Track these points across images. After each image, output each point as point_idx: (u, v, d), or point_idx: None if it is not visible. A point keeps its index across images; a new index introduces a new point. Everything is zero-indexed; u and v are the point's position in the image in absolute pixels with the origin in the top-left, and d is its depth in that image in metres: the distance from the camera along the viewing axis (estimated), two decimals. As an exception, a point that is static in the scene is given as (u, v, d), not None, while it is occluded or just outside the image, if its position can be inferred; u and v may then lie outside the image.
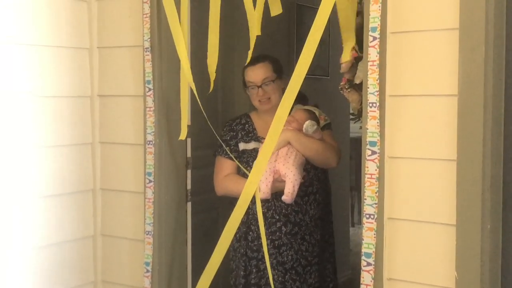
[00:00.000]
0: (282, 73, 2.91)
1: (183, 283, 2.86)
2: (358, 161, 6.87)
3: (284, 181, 2.67)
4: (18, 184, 2.59)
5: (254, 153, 2.81)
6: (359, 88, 2.63)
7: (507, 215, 2.02)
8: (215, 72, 2.62)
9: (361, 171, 2.19)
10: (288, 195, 2.64)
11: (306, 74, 2.34)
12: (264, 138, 2.73)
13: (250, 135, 2.89)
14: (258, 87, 2.82)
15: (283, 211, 2.78)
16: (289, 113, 2.83)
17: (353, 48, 2.50)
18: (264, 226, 2.71)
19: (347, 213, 5.74)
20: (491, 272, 2.00)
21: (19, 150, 2.59)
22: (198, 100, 2.54)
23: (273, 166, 2.65)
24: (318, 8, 3.13)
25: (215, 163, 2.92)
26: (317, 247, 2.88)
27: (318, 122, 2.87)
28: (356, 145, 6.86)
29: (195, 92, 2.54)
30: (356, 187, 6.74)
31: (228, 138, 2.88)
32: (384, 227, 2.17)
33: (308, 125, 2.78)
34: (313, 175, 2.85)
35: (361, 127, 2.45)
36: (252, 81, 2.84)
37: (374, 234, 2.16)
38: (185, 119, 2.61)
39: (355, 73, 2.61)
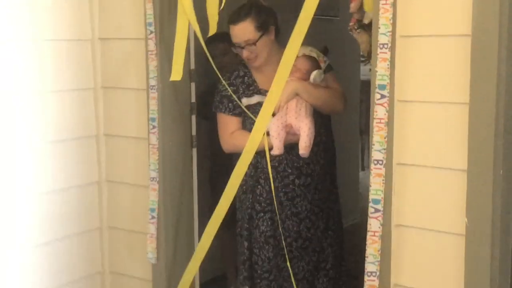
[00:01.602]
0: (268, 24, 2.69)
1: (190, 229, 2.84)
2: (368, 104, 6.79)
3: (296, 134, 2.61)
4: (23, 129, 2.56)
5: (258, 107, 2.66)
6: (368, 28, 2.53)
7: (520, 160, 1.96)
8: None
9: (370, 115, 2.12)
10: (306, 148, 2.58)
11: (315, 15, 2.23)
12: (266, 90, 2.62)
13: (251, 88, 2.75)
14: (242, 48, 2.68)
15: (295, 164, 2.72)
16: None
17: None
18: (276, 179, 2.68)
19: (357, 157, 5.70)
20: (502, 218, 1.95)
21: (22, 95, 2.55)
22: (202, 40, 2.44)
23: (284, 120, 2.57)
24: None
25: (218, 120, 2.80)
26: (326, 193, 2.85)
27: (319, 67, 2.78)
28: (366, 88, 6.80)
29: (198, 32, 2.42)
30: (366, 131, 6.70)
31: (229, 93, 2.72)
32: (392, 173, 2.11)
33: (316, 74, 2.69)
34: (321, 123, 2.77)
35: (370, 69, 2.38)
36: (235, 42, 2.69)
37: (383, 180, 2.11)
38: (181, 59, 2.48)
39: (364, 13, 2.51)
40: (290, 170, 2.72)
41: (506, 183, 1.94)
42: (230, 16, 2.67)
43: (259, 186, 2.75)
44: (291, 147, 2.65)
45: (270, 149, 2.55)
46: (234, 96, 2.64)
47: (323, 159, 2.81)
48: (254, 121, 2.59)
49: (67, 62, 2.72)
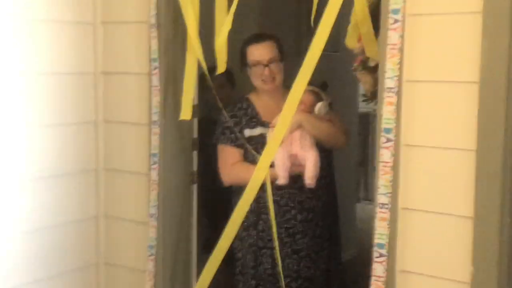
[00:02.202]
0: (284, 54, 2.78)
1: (188, 267, 2.79)
2: (366, 136, 6.83)
3: (301, 165, 2.61)
4: (19, 164, 2.51)
5: (261, 139, 2.69)
6: (373, 70, 2.53)
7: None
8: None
9: (370, 148, 2.11)
10: (312, 178, 2.58)
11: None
12: (269, 122, 2.68)
13: (254, 120, 2.76)
14: (265, 65, 2.70)
15: (297, 198, 2.70)
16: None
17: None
18: (278, 214, 2.65)
19: (354, 189, 5.67)
20: (510, 265, 1.92)
21: (21, 129, 2.51)
22: (208, 77, 2.44)
23: (289, 150, 2.57)
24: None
25: (219, 152, 2.79)
26: (327, 230, 2.82)
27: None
28: (364, 121, 6.82)
29: (205, 68, 2.43)
30: (363, 163, 6.69)
31: (232, 124, 2.74)
32: (397, 217, 2.09)
33: (321, 106, 2.71)
34: (323, 157, 2.76)
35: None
36: (258, 60, 2.71)
37: (388, 224, 2.09)
38: (190, 97, 2.49)
39: (369, 54, 2.51)
40: (292, 205, 2.69)
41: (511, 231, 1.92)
42: (250, 38, 2.73)
43: (261, 222, 2.72)
44: (293, 180, 2.63)
45: (272, 182, 2.53)
46: (235, 130, 2.64)
47: (325, 194, 2.79)
48: (256, 153, 2.61)
49: (69, 95, 2.69)
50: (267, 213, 2.66)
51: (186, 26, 2.43)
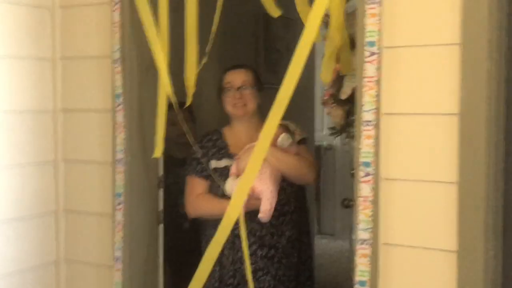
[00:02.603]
0: (261, 86, 2.78)
1: (155, 312, 2.67)
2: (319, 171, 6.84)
3: (259, 199, 2.51)
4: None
5: (225, 171, 2.64)
6: (343, 103, 2.51)
7: (508, 240, 1.92)
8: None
9: (322, 183, 2.06)
10: (266, 212, 2.49)
11: (271, 84, 2.22)
12: (237, 155, 2.61)
13: (221, 151, 2.72)
14: (237, 89, 2.69)
15: (258, 233, 2.62)
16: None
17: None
18: (239, 249, 2.57)
19: (313, 222, 5.64)
20: (494, 301, 1.90)
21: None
22: (179, 113, 2.38)
23: None
24: (286, 17, 3.03)
25: (186, 183, 2.74)
26: (294, 270, 2.73)
27: (292, 137, 2.73)
28: (319, 154, 6.84)
29: (175, 105, 2.37)
30: (316, 197, 6.69)
31: (199, 156, 2.69)
32: (379, 253, 2.04)
33: (284, 138, 2.65)
34: (290, 192, 2.70)
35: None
36: (230, 82, 2.71)
37: (369, 261, 2.03)
38: (162, 134, 2.42)
39: (339, 87, 2.49)
40: (252, 239, 2.61)
41: (496, 265, 1.90)
42: (227, 67, 2.75)
43: (223, 258, 2.62)
44: (254, 214, 2.54)
45: None
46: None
47: (290, 231, 2.70)
48: (221, 186, 2.57)
49: (27, 134, 2.56)
50: (230, 248, 2.58)
51: (154, 60, 2.35)
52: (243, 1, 3.71)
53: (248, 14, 4.08)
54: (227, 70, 2.76)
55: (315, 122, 5.58)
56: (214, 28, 2.43)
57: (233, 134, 2.76)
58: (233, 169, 2.59)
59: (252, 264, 2.59)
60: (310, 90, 5.26)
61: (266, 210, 2.49)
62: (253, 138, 2.65)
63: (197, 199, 2.69)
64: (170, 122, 3.05)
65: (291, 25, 4.42)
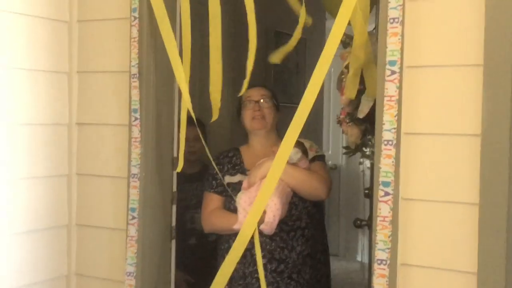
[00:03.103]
0: (278, 105, 2.86)
1: (167, 328, 2.64)
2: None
3: (265, 212, 2.53)
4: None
5: (238, 186, 2.68)
6: (360, 122, 2.51)
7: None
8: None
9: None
10: (267, 224, 2.52)
11: (285, 103, 2.25)
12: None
13: (236, 167, 2.77)
14: (256, 101, 2.76)
15: (267, 246, 2.62)
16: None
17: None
18: (250, 264, 2.60)
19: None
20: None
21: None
22: (199, 131, 2.42)
23: (253, 196, 2.50)
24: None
25: (203, 199, 2.80)
26: (306, 287, 2.71)
27: (306, 153, 2.74)
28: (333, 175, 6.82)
29: (195, 122, 2.38)
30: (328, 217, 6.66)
31: (214, 172, 2.72)
32: (397, 274, 2.02)
33: (293, 153, 2.65)
34: (302, 208, 2.71)
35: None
36: (249, 96, 2.78)
37: (387, 281, 2.02)
38: (183, 149, 2.41)
39: (356, 106, 2.49)
40: (262, 253, 2.59)
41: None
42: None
43: (234, 272, 2.61)
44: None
45: None
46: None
47: (301, 246, 2.69)
48: (235, 200, 2.60)
49: (42, 147, 2.55)
50: (239, 263, 2.56)
51: (176, 76, 2.35)
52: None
53: (258, 31, 4.09)
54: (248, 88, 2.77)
55: (323, 142, 5.58)
56: (250, 64, 2.42)
57: (250, 152, 2.82)
58: (244, 184, 2.64)
59: None
60: (319, 110, 5.27)
61: (268, 222, 2.52)
62: (268, 154, 2.67)
63: (211, 214, 2.74)
64: (196, 138, 3.05)
65: (302, 44, 4.44)
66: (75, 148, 2.68)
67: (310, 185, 2.69)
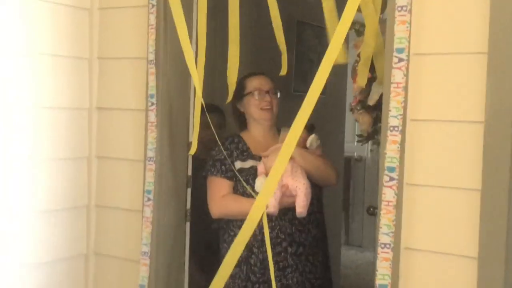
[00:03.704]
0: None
1: (179, 307, 2.72)
2: (348, 181, 6.86)
3: (292, 196, 2.60)
4: (10, 198, 2.44)
5: (252, 171, 2.72)
6: (371, 109, 2.54)
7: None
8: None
9: (352, 193, 2.09)
10: (304, 207, 2.57)
11: (302, 91, 2.28)
12: (259, 156, 2.70)
13: (245, 153, 2.79)
14: (266, 92, 2.79)
15: (288, 230, 2.68)
16: (279, 136, 2.81)
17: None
18: (264, 250, 2.60)
19: (337, 233, 5.64)
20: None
21: (12, 162, 2.45)
22: (208, 116, 2.45)
23: (280, 181, 2.55)
24: (318, 26, 3.05)
25: (209, 184, 2.79)
26: (319, 268, 2.79)
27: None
28: (349, 165, 6.85)
29: (204, 108, 2.43)
30: (344, 208, 6.69)
31: (223, 157, 2.75)
32: (400, 257, 2.06)
33: (313, 139, 2.73)
34: (313, 193, 2.75)
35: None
36: (258, 87, 2.81)
37: (390, 265, 2.06)
38: (197, 133, 2.49)
39: (367, 94, 2.52)
40: (283, 236, 2.67)
41: (518, 272, 1.91)
42: (249, 73, 2.86)
43: (253, 256, 2.68)
44: (283, 212, 2.63)
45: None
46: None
47: (315, 229, 2.77)
48: (245, 186, 2.63)
49: (63, 130, 2.65)
50: (259, 247, 2.63)
51: (187, 63, 2.41)
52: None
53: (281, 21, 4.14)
54: (249, 75, 2.86)
55: (345, 133, 5.59)
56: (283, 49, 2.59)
57: (252, 139, 2.84)
58: (261, 169, 2.66)
59: (281, 261, 2.67)
60: (341, 101, 5.29)
61: (304, 205, 2.57)
62: (270, 142, 2.74)
63: (223, 200, 2.73)
64: (202, 125, 3.14)
65: (324, 34, 4.47)
66: (95, 132, 2.76)
67: (326, 171, 2.79)
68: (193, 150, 2.50)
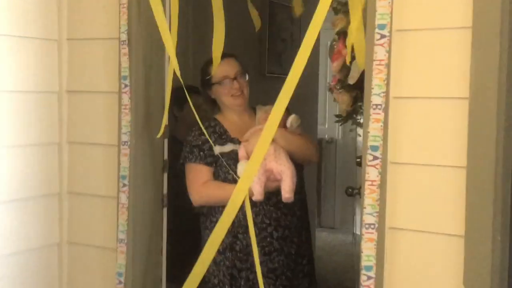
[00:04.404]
0: (246, 70, 2.82)
1: (158, 295, 2.66)
2: (320, 163, 6.85)
3: (276, 181, 2.55)
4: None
5: (233, 155, 2.64)
6: (351, 89, 2.50)
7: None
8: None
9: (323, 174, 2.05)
10: (291, 192, 2.51)
11: (275, 73, 2.24)
12: (238, 139, 2.63)
13: (223, 137, 2.71)
14: (233, 79, 2.70)
15: (273, 215, 2.63)
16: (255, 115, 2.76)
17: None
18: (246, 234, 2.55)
19: (313, 214, 5.64)
20: (501, 284, 1.89)
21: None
22: (189, 98, 2.37)
23: (264, 165, 2.49)
24: (290, 6, 3.01)
25: (187, 171, 2.71)
26: (303, 248, 2.76)
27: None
28: (321, 147, 6.83)
29: (184, 88, 2.36)
30: (316, 190, 6.69)
31: (200, 143, 2.68)
32: (385, 237, 2.03)
33: (293, 119, 2.68)
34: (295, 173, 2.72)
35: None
36: (225, 74, 2.71)
37: (375, 245, 2.02)
38: (167, 115, 2.42)
39: (347, 73, 2.47)
40: (268, 222, 2.62)
41: (504, 250, 1.89)
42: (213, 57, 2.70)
43: (238, 242, 2.63)
44: (268, 197, 2.57)
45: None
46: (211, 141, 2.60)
47: (299, 210, 2.74)
48: (227, 171, 2.58)
49: (32, 115, 2.55)
50: (243, 233, 2.58)
51: (163, 42, 2.34)
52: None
53: (253, 2, 4.07)
54: (212, 62, 2.73)
55: (318, 116, 5.58)
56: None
57: (228, 121, 2.77)
58: (242, 153, 2.60)
59: (267, 246, 2.63)
60: (314, 84, 5.25)
61: (291, 190, 2.52)
62: (247, 123, 2.68)
63: (204, 187, 2.66)
64: (195, 106, 3.01)
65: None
66: (66, 116, 2.67)
67: (308, 150, 2.76)
68: (161, 132, 2.41)
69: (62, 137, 2.67)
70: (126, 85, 2.48)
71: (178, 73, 2.31)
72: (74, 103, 2.66)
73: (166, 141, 2.64)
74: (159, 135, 2.44)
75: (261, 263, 2.54)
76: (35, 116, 2.56)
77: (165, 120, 2.41)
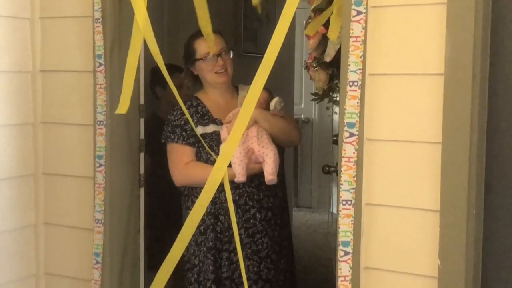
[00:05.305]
0: (231, 47, 2.80)
1: (136, 274, 2.65)
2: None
3: (258, 163, 2.56)
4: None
5: (215, 136, 2.63)
6: (327, 66, 2.50)
7: (490, 199, 1.94)
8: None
9: (299, 155, 2.06)
10: (274, 174, 2.53)
11: (251, 53, 2.22)
12: (221, 120, 2.61)
13: (205, 117, 2.69)
14: (217, 55, 2.67)
15: (256, 196, 2.63)
16: (237, 94, 2.76)
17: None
18: (237, 214, 2.56)
19: (289, 194, 5.66)
20: (476, 260, 1.92)
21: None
22: (167, 76, 2.30)
23: (246, 146, 2.49)
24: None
25: (169, 151, 2.69)
26: (286, 230, 2.78)
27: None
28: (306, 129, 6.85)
29: (162, 65, 2.29)
30: (295, 171, 6.71)
31: (182, 122, 2.65)
32: (362, 213, 2.05)
33: (276, 102, 2.68)
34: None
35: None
36: (209, 51, 2.67)
37: (352, 221, 2.04)
38: (130, 90, 2.33)
39: (323, 51, 2.47)
40: (251, 203, 2.63)
41: (478, 224, 1.92)
42: (195, 33, 2.70)
43: (219, 223, 2.62)
44: (250, 179, 2.58)
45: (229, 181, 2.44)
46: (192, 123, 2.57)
47: (281, 192, 2.76)
48: (209, 152, 2.56)
49: (4, 95, 2.50)
50: (225, 214, 2.58)
51: (136, 19, 2.30)
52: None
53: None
54: (196, 37, 2.71)
55: (294, 96, 5.58)
56: None
57: (210, 100, 2.74)
58: (224, 135, 2.59)
59: (250, 228, 2.63)
60: (290, 64, 5.24)
61: (273, 172, 2.53)
62: (230, 102, 2.67)
63: (187, 168, 2.64)
64: (177, 85, 2.98)
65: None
66: (40, 96, 2.63)
67: (290, 133, 2.76)
68: (123, 109, 2.33)
69: (36, 118, 2.63)
70: (100, 64, 2.45)
71: (156, 51, 2.27)
72: (48, 82, 2.62)
73: (142, 120, 2.62)
74: (123, 111, 2.35)
75: (244, 245, 2.57)
76: (8, 97, 2.52)
77: (128, 96, 2.33)
